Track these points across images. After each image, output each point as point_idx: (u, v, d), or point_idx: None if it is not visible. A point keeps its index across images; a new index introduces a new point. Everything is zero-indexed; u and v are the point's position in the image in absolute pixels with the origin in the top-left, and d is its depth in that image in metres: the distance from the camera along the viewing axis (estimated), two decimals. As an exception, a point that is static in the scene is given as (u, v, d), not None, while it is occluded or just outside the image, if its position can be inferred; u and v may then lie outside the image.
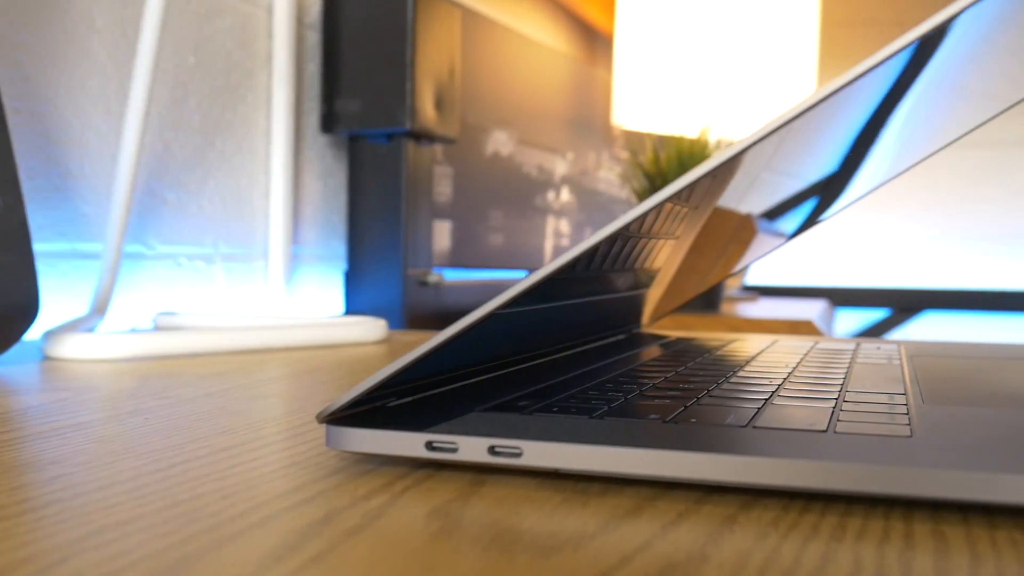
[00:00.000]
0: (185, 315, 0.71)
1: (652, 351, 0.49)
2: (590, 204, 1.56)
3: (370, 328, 0.65)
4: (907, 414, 0.30)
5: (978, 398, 0.33)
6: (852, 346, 0.54)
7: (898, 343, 0.56)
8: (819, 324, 1.09)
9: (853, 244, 2.01)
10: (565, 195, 1.47)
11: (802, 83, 1.44)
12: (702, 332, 0.80)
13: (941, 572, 0.19)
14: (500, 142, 1.25)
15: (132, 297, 0.77)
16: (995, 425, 0.28)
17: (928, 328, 1.97)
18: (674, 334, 0.62)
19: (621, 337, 0.58)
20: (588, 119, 1.55)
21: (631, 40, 1.46)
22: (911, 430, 0.27)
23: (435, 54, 1.00)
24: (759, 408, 0.30)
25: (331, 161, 1.03)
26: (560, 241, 1.46)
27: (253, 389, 0.43)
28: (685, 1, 1.40)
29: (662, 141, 1.72)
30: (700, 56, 1.39)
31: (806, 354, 0.49)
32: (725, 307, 1.31)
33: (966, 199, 1.95)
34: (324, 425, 0.29)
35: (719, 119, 1.39)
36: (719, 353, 0.49)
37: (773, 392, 0.34)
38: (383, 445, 0.26)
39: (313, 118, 1.00)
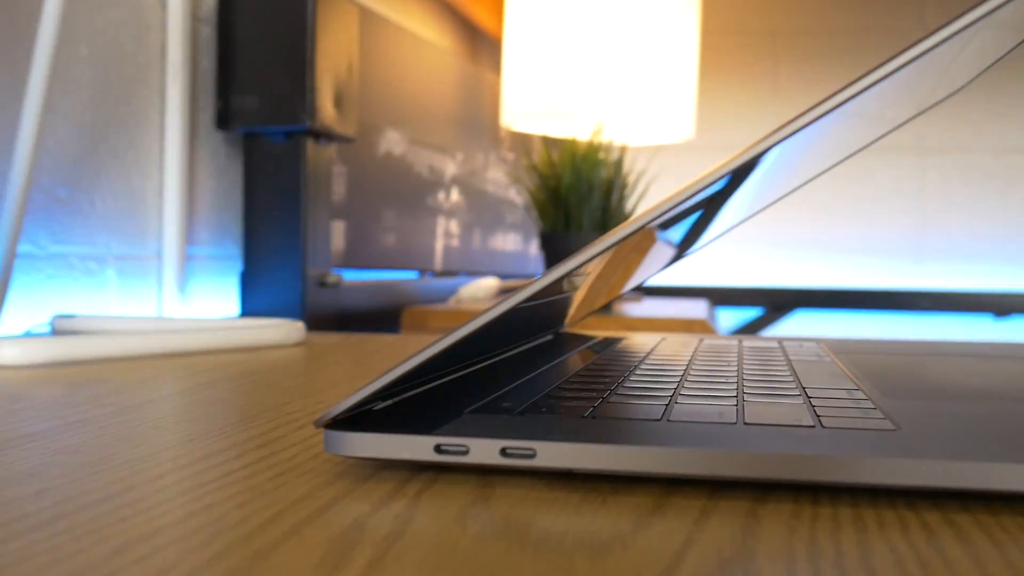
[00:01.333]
0: (84, 318, 0.67)
1: (587, 351, 0.50)
2: (479, 204, 1.57)
3: (288, 331, 0.63)
4: (876, 408, 0.31)
5: (929, 392, 0.35)
6: (776, 344, 0.55)
7: (816, 341, 0.58)
8: (710, 323, 1.13)
9: (728, 247, 2.08)
10: (455, 195, 1.47)
11: (684, 87, 1.48)
12: (611, 331, 0.81)
13: (973, 559, 0.20)
14: (393, 142, 1.24)
15: (24, 299, 0.73)
16: (965, 418, 0.29)
17: (799, 325, 2.05)
18: (594, 334, 0.63)
19: (550, 338, 0.58)
20: (477, 120, 1.55)
21: (519, 42, 1.47)
22: (894, 424, 0.28)
23: (334, 51, 0.98)
24: (734, 406, 0.31)
25: (224, 159, 1.00)
26: (450, 242, 1.46)
27: (195, 394, 0.42)
28: (572, 6, 1.42)
29: (549, 143, 1.75)
30: (586, 60, 1.41)
31: (740, 353, 0.50)
32: (615, 307, 1.33)
33: (833, 204, 2.04)
34: (321, 430, 0.29)
35: (605, 122, 1.41)
36: (661, 353, 0.50)
37: (740, 390, 0.35)
38: (391, 449, 0.26)
39: (207, 114, 0.97)
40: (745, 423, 0.28)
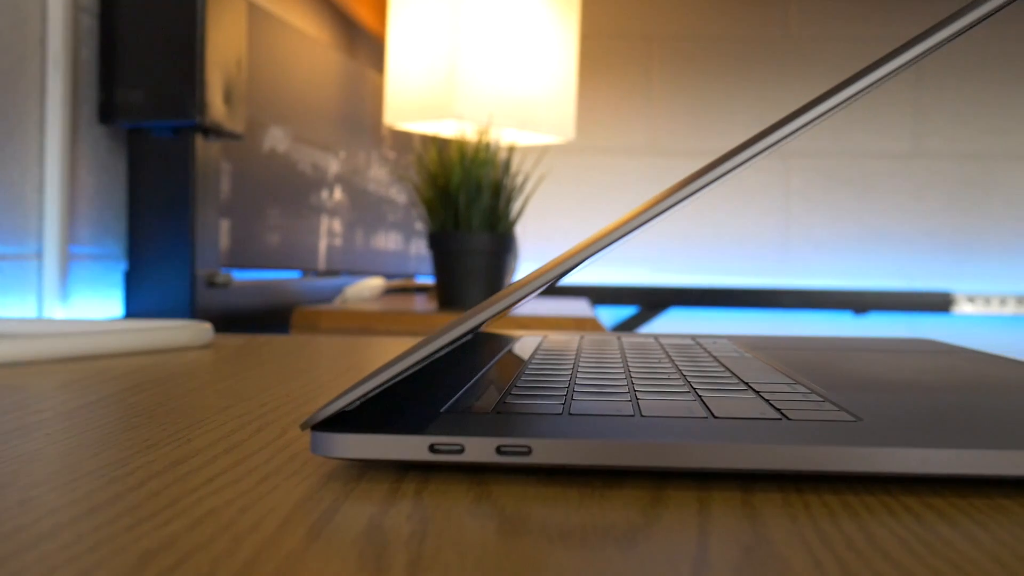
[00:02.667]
0: (-29, 321, 0.64)
1: (515, 351, 0.51)
2: (361, 203, 1.55)
3: (198, 332, 0.62)
4: (826, 400, 0.33)
5: (861, 385, 0.37)
6: (692, 341, 0.57)
7: (727, 338, 0.60)
8: (598, 321, 1.15)
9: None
10: (338, 194, 1.45)
11: (564, 89, 1.51)
12: (509, 329, 0.82)
13: (967, 538, 0.21)
14: (277, 139, 1.22)
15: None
16: (915, 408, 0.31)
17: (672, 323, 2.11)
18: (509, 333, 0.64)
19: (470, 337, 0.58)
20: (359, 118, 1.54)
21: (402, 41, 1.47)
22: (852, 415, 0.30)
23: (224, 45, 0.96)
24: (695, 401, 0.32)
25: (107, 154, 0.96)
26: (333, 241, 1.44)
27: (128, 398, 0.40)
28: (455, 6, 1.42)
29: (437, 142, 1.74)
30: (469, 60, 1.41)
31: (666, 351, 0.51)
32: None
33: (704, 205, 2.11)
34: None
35: (489, 122, 1.42)
36: (591, 351, 0.51)
37: (691, 387, 0.36)
38: (384, 450, 0.26)
39: (89, 108, 0.93)
40: (715, 417, 0.29)
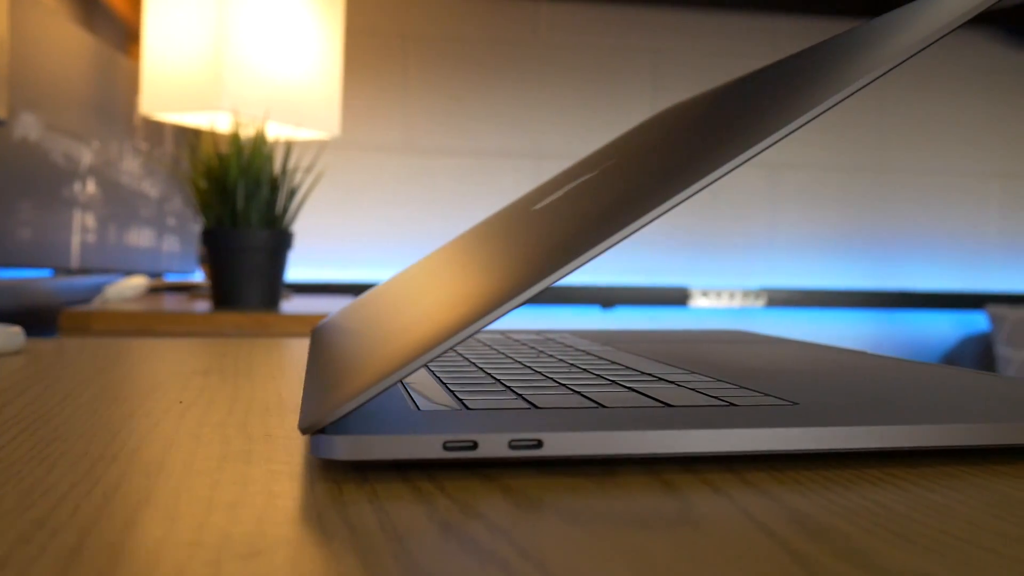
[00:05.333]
0: None
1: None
2: (114, 197, 1.46)
3: (9, 338, 0.56)
4: (744, 387, 0.35)
5: (751, 374, 0.40)
6: (540, 337, 0.59)
7: (569, 333, 0.63)
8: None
9: (373, 242, 2.11)
10: (91, 187, 1.36)
11: (329, 85, 1.49)
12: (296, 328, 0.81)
13: (923, 502, 0.24)
14: (28, 126, 1.12)
15: None
16: (832, 391, 0.34)
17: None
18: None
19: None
20: (110, 107, 1.44)
21: (162, 31, 1.39)
22: (784, 400, 0.32)
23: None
24: (666, 390, 0.34)
25: None
26: (87, 237, 1.34)
27: (6, 408, 0.36)
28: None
29: (189, 133, 1.66)
30: (235, 52, 1.37)
31: (545, 348, 0.53)
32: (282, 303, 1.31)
33: (459, 201, 2.15)
34: (307, 435, 0.27)
35: (258, 116, 1.38)
36: (529, 344, 0.51)
37: (608, 379, 0.38)
38: (401, 450, 0.25)
39: None
40: (670, 405, 0.31)
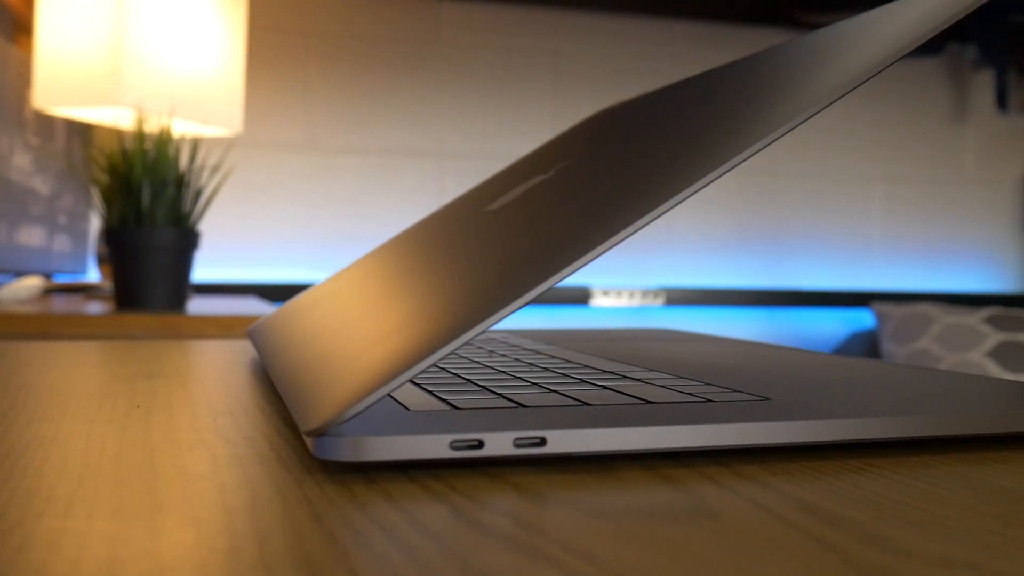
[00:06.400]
0: None
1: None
2: (4, 194, 1.40)
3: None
4: (710, 384, 0.36)
5: (710, 372, 0.42)
6: (482, 337, 0.59)
7: (512, 333, 0.63)
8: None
9: (267, 237, 2.07)
10: (-18, 184, 1.30)
11: (232, 81, 1.46)
12: (211, 331, 0.79)
13: (909, 489, 0.25)
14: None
15: None
16: (802, 387, 0.36)
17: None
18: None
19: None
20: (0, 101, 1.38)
21: (56, 22, 1.34)
22: (756, 395, 0.33)
23: None
24: (656, 387, 0.34)
25: None
26: (-23, 236, 1.28)
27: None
28: (124, -16, 1.33)
29: (83, 128, 1.60)
30: (135, 45, 1.33)
31: (503, 345, 0.53)
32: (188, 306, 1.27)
33: (359, 200, 2.13)
34: (311, 437, 0.27)
35: (162, 112, 1.34)
36: (476, 343, 0.51)
37: (593, 378, 0.38)
38: (408, 450, 0.25)
39: None
40: (650, 403, 0.32)
